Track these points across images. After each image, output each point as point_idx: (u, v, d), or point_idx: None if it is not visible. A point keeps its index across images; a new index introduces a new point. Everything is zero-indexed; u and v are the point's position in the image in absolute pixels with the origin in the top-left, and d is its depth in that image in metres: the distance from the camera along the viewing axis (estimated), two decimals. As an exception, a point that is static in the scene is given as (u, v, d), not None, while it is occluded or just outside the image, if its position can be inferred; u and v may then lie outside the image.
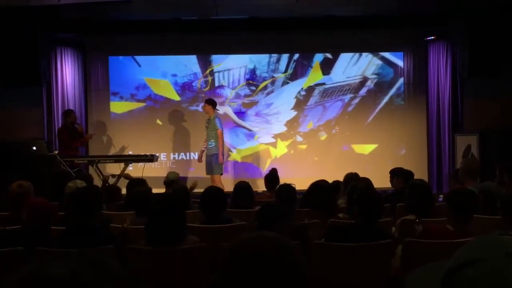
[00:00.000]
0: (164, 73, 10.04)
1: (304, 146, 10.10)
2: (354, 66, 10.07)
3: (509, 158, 7.25)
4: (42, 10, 8.02)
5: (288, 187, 4.65)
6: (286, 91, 10.07)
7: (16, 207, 4.46)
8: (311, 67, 10.07)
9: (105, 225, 3.96)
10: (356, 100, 10.07)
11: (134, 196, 4.65)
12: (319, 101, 10.08)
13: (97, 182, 8.01)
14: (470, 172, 5.43)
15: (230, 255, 1.23)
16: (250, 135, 10.08)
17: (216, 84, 10.05)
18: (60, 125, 9.03)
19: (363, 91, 10.07)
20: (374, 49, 10.03)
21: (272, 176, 6.33)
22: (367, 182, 5.36)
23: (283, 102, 10.05)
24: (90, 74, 10.02)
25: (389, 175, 6.23)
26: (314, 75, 10.06)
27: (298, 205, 4.96)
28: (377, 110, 10.07)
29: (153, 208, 3.29)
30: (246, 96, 10.06)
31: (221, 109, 9.95)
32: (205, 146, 8.70)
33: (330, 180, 5.69)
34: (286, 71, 10.06)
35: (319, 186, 5.24)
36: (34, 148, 7.98)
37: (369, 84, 10.08)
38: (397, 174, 6.04)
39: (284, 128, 10.09)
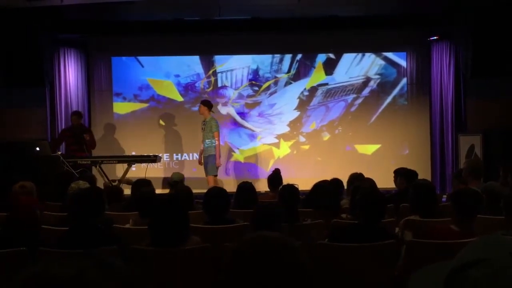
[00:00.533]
0: (167, 74, 10.05)
1: (307, 147, 10.10)
2: (357, 67, 10.06)
3: (513, 158, 7.24)
4: (45, 11, 8.04)
5: (291, 188, 4.64)
6: (289, 91, 10.07)
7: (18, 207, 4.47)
8: (314, 68, 10.07)
9: (107, 225, 3.96)
10: (359, 100, 10.07)
11: (139, 197, 4.66)
12: (322, 102, 10.08)
13: (100, 182, 8.02)
14: (474, 172, 5.42)
15: (234, 255, 1.23)
16: (253, 135, 10.08)
17: (219, 85, 10.05)
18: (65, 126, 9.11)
19: (366, 91, 10.07)
20: (377, 49, 10.03)
21: (275, 177, 6.32)
22: (370, 182, 5.36)
23: (286, 102, 10.05)
24: (93, 74, 10.04)
25: (392, 175, 6.23)
26: (317, 76, 10.06)
27: (301, 206, 4.95)
28: (380, 110, 10.06)
29: (156, 209, 3.29)
30: (249, 96, 10.07)
31: (224, 110, 9.97)
32: (202, 148, 8.69)
33: (333, 181, 5.69)
34: (289, 71, 10.06)
35: (322, 187, 5.24)
36: (38, 148, 7.99)
37: (372, 84, 10.07)
38: (401, 174, 6.03)
39: (287, 129, 10.09)
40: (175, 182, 6.22)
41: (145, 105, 10.06)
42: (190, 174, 8.60)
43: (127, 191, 6.61)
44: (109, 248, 3.16)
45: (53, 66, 9.41)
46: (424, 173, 8.47)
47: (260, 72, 10.06)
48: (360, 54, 10.05)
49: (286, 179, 5.94)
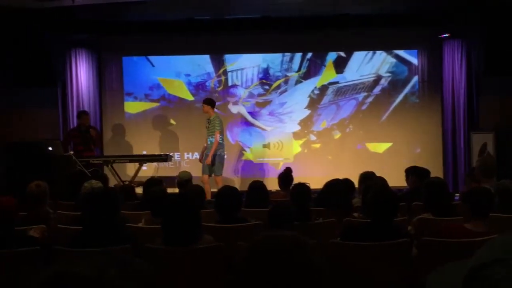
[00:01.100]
0: (178, 73, 10.07)
1: (318, 145, 10.08)
2: (368, 65, 10.02)
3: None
4: (56, 11, 8.08)
5: (303, 186, 4.64)
6: (299, 90, 10.06)
7: (34, 207, 4.51)
8: (324, 66, 10.04)
9: (121, 224, 3.98)
10: (370, 99, 10.03)
11: (150, 196, 4.67)
12: (332, 100, 10.05)
13: (112, 182, 8.05)
14: (487, 171, 5.38)
15: (248, 254, 1.23)
16: (264, 134, 10.08)
17: (230, 84, 10.06)
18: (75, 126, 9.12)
19: (377, 90, 10.03)
20: (388, 47, 9.98)
21: (286, 175, 6.32)
22: (382, 181, 5.33)
23: (296, 101, 10.04)
24: (104, 74, 10.09)
25: (403, 173, 6.20)
26: (328, 74, 10.03)
27: (313, 204, 4.94)
28: (391, 108, 10.02)
29: (168, 208, 3.30)
30: (259, 95, 10.06)
31: (234, 109, 9.97)
32: (205, 146, 8.68)
33: (344, 179, 5.67)
34: (299, 70, 10.05)
35: (333, 185, 5.22)
36: (50, 148, 8.04)
37: (383, 82, 10.03)
38: (413, 172, 6.00)
39: (298, 127, 10.07)
40: (185, 181, 6.22)
41: (156, 104, 10.09)
42: (200, 174, 8.59)
43: (138, 190, 6.64)
44: (123, 247, 3.17)
45: (64, 67, 9.47)
46: (436, 171, 8.40)
47: (271, 71, 10.05)
48: (370, 52, 10.01)
49: (297, 178, 5.93)
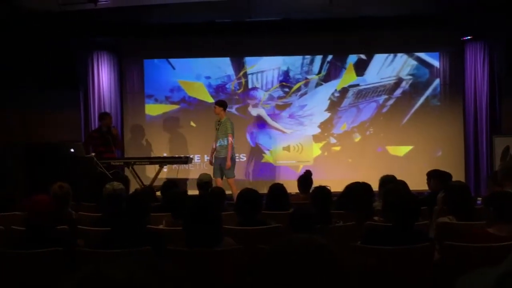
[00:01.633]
0: (198, 76, 10.12)
1: (338, 148, 10.04)
2: (389, 67, 9.96)
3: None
4: (78, 14, 8.17)
5: (323, 189, 4.63)
6: (319, 92, 10.03)
7: (57, 207, 4.55)
8: (345, 69, 10.01)
9: (141, 226, 4.00)
10: (391, 101, 9.97)
11: (170, 198, 4.70)
12: (353, 103, 10.01)
13: (133, 183, 8.12)
14: (509, 174, 5.30)
15: (269, 257, 1.23)
16: (284, 137, 10.07)
17: (250, 86, 10.08)
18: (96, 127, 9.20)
19: (398, 92, 9.96)
20: (409, 50, 9.91)
21: (306, 178, 6.31)
22: (403, 184, 5.29)
23: (316, 103, 10.02)
24: (125, 77, 10.18)
25: (425, 177, 6.14)
26: (348, 77, 10.00)
27: (333, 208, 4.93)
28: (412, 111, 9.94)
29: (189, 211, 3.31)
30: (279, 98, 10.06)
31: (254, 111, 9.99)
32: (214, 148, 8.68)
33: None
34: (319, 72, 10.02)
35: (354, 189, 5.20)
36: (72, 150, 8.13)
37: (404, 85, 9.96)
38: (434, 176, 5.94)
39: (318, 130, 10.05)
40: (205, 183, 6.25)
41: (176, 106, 10.15)
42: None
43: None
44: (146, 248, 3.19)
45: (87, 69, 9.58)
46: (457, 175, 8.32)
47: (291, 74, 10.05)
48: (391, 55, 9.95)
49: (317, 181, 5.92)
